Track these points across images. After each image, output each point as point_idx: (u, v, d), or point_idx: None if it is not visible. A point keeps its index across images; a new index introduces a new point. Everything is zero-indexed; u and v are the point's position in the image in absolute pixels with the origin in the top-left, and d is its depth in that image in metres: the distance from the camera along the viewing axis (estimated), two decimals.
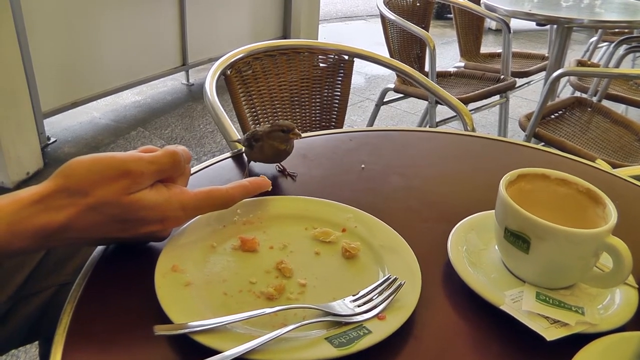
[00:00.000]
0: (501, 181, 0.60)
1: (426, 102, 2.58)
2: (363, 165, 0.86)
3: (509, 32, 2.70)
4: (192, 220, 0.64)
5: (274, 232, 0.66)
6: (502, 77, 2.70)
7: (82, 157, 0.54)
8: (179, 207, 0.57)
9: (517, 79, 2.75)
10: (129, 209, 0.54)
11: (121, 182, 0.53)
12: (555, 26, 2.77)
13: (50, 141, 2.96)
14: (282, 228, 0.66)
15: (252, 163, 0.84)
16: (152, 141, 3.07)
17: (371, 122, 2.81)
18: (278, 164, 0.83)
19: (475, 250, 0.64)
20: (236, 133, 1.06)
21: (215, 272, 0.59)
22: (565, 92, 3.56)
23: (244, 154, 0.85)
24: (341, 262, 0.62)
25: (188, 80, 3.96)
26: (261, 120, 1.39)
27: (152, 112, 3.48)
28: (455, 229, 0.66)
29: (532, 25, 6.00)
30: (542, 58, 3.15)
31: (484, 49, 3.19)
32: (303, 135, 0.97)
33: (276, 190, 0.77)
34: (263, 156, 0.81)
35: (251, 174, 0.82)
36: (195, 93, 3.84)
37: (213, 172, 0.82)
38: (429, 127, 2.53)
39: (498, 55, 3.09)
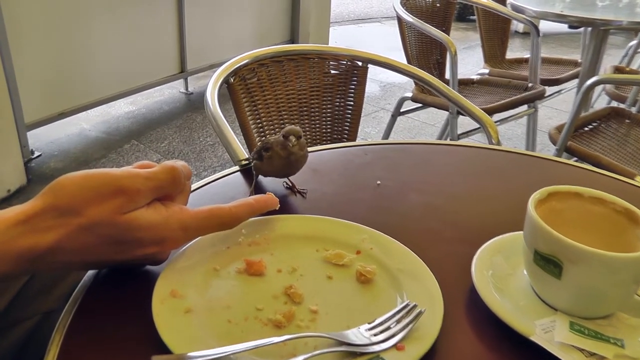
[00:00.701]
0: (530, 200, 0.61)
1: (447, 113, 2.59)
2: (379, 182, 0.87)
3: (538, 35, 2.71)
4: (192, 242, 0.65)
5: (282, 254, 0.66)
6: (530, 85, 2.71)
7: (73, 174, 0.55)
8: (179, 227, 0.58)
9: (546, 87, 2.76)
10: (124, 230, 0.55)
11: (116, 200, 0.54)
12: (589, 29, 2.78)
13: (35, 155, 2.99)
14: (291, 250, 0.67)
15: (259, 179, 0.85)
16: (148, 155, 3.09)
17: (387, 134, 2.82)
18: (286, 180, 0.84)
19: (502, 274, 0.64)
20: (240, 147, 1.08)
21: (218, 297, 0.60)
22: (600, 101, 3.56)
23: (252, 169, 0.86)
24: (355, 287, 0.62)
25: (187, 89, 4.00)
26: (267, 132, 1.40)
27: (147, 124, 3.51)
28: (479, 251, 0.66)
29: (563, 27, 6.01)
30: (575, 64, 3.15)
31: (510, 54, 3.21)
32: (314, 148, 0.98)
33: (284, 208, 0.78)
34: (272, 167, 0.81)
35: (258, 191, 0.83)
36: (194, 102, 3.87)
37: (215, 189, 0.83)
38: (450, 139, 2.54)
39: (526, 61, 3.10)
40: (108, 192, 0.54)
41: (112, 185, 0.54)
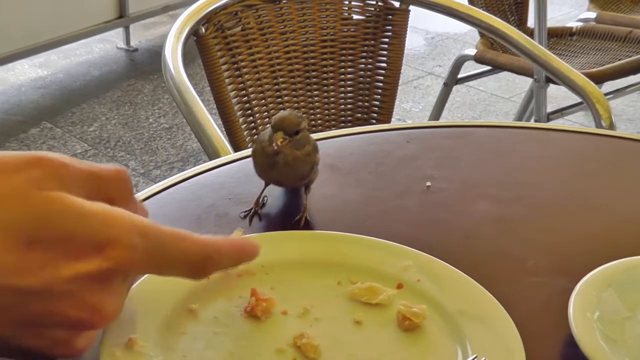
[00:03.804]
0: None
1: (530, 80, 2.60)
2: (429, 183, 0.89)
3: None
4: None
5: (288, 289, 0.69)
6: None
7: None
8: (134, 228, 0.52)
9: None
10: (43, 216, 0.50)
11: (31, 171, 0.50)
12: None
13: None
14: (301, 282, 0.70)
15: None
16: (67, 145, 3.10)
17: (437, 112, 2.83)
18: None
19: (614, 318, 0.66)
20: (219, 133, 1.10)
21: (197, 350, 0.62)
22: None
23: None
24: (397, 336, 0.65)
25: (128, 43, 4.00)
26: (255, 108, 1.42)
27: (66, 97, 3.52)
28: (581, 284, 0.68)
29: None
30: None
31: None
32: (329, 134, 1.00)
33: (290, 221, 0.81)
34: (257, 170, 0.82)
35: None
36: (140, 64, 3.88)
37: (183, 195, 0.85)
38: (536, 120, 2.55)
39: None
40: (18, 161, 0.51)
41: (25, 155, 0.52)
